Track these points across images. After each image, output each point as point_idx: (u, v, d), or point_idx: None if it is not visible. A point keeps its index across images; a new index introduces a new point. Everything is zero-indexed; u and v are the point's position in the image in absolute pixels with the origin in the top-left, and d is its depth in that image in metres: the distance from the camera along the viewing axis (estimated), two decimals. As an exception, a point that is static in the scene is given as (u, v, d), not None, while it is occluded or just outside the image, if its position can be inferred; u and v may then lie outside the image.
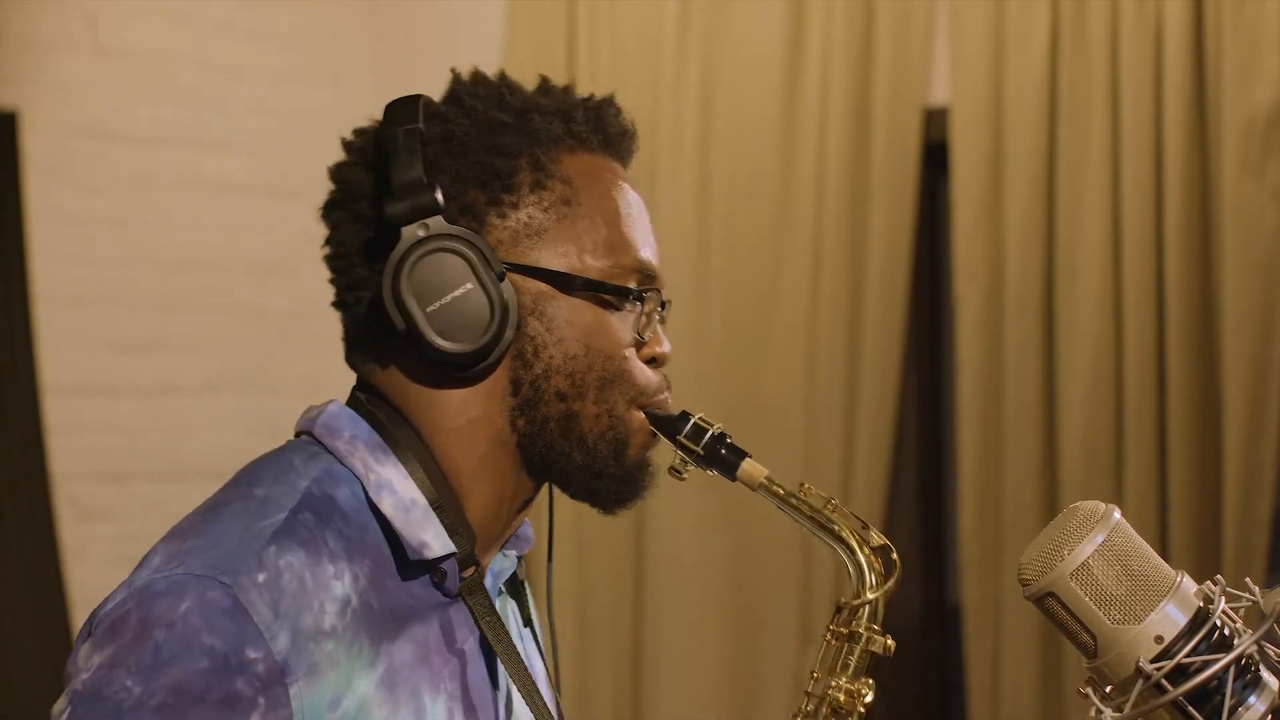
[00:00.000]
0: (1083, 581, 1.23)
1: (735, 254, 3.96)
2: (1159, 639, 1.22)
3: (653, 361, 1.44)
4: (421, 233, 1.34)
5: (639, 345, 1.42)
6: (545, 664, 1.50)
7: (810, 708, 1.44)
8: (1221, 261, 3.47)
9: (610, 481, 1.42)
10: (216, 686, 1.22)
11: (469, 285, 1.35)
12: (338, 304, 1.43)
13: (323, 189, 1.44)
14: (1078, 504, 1.27)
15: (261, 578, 1.26)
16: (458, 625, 1.38)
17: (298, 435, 1.42)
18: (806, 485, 1.45)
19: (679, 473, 1.45)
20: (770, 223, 3.94)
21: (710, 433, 1.43)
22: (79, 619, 3.50)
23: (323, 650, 1.26)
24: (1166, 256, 3.53)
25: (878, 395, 3.85)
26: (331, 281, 1.43)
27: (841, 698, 1.43)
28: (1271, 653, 1.24)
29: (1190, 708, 1.21)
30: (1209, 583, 1.26)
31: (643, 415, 1.42)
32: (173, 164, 3.90)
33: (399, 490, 1.36)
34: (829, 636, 1.45)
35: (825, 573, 3.83)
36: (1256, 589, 1.25)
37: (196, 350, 3.91)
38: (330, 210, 1.42)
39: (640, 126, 1.48)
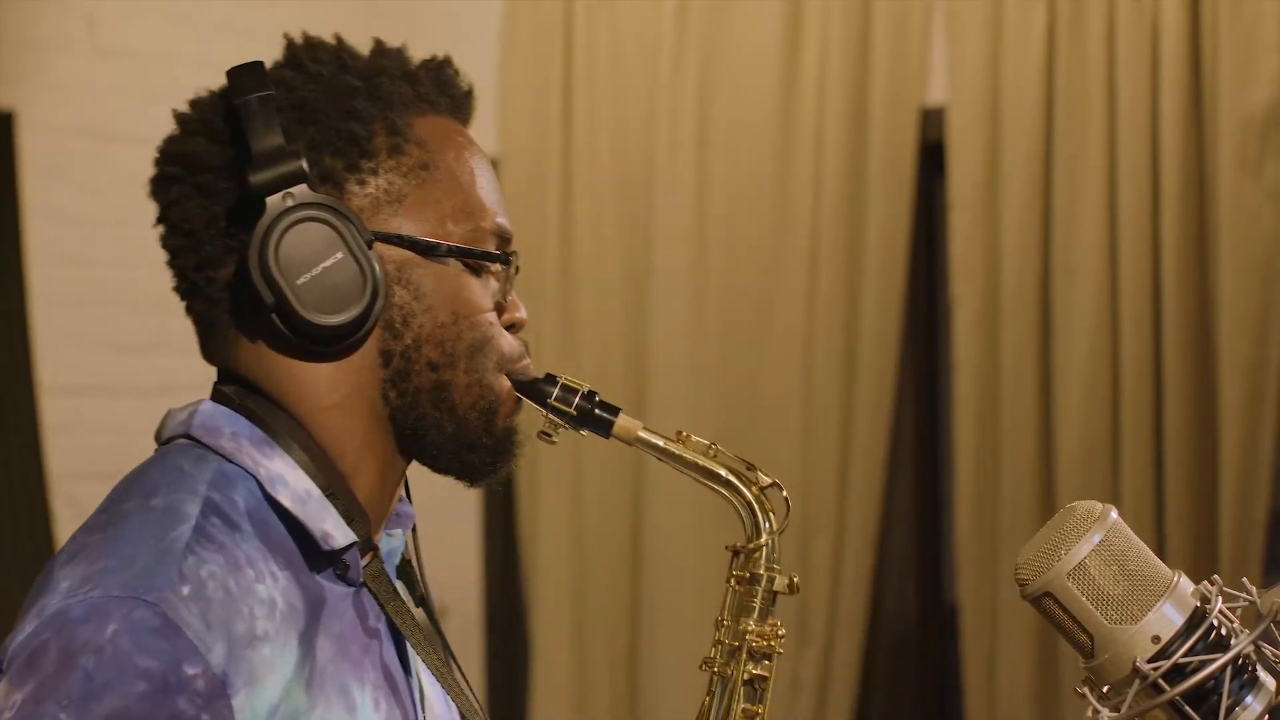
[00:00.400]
0: (1080, 581, 1.23)
1: (733, 254, 3.96)
2: (1156, 639, 1.22)
3: (512, 327, 1.40)
4: (289, 202, 1.28)
5: (500, 311, 1.39)
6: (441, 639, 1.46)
7: (722, 657, 1.44)
8: (1218, 262, 3.48)
9: (482, 452, 1.37)
10: (158, 710, 1.16)
11: (339, 255, 1.29)
12: (183, 288, 1.35)
13: None
14: (1074, 504, 1.27)
15: (186, 590, 1.20)
16: (367, 612, 1.34)
17: (166, 441, 1.35)
18: (685, 433, 1.44)
19: (549, 435, 1.42)
20: (768, 223, 3.94)
21: (580, 392, 1.41)
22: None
23: (259, 656, 1.22)
24: (1163, 257, 3.53)
25: (875, 395, 3.85)
26: (171, 264, 1.35)
27: (756, 642, 1.43)
28: (1268, 653, 1.24)
29: (1187, 708, 1.21)
30: (1206, 582, 1.25)
31: (509, 382, 1.39)
32: (172, 164, 3.90)
33: (291, 483, 1.30)
34: (732, 583, 1.45)
35: (823, 574, 3.83)
36: (1253, 589, 1.25)
37: (196, 350, 3.90)
38: (167, 186, 1.34)
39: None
